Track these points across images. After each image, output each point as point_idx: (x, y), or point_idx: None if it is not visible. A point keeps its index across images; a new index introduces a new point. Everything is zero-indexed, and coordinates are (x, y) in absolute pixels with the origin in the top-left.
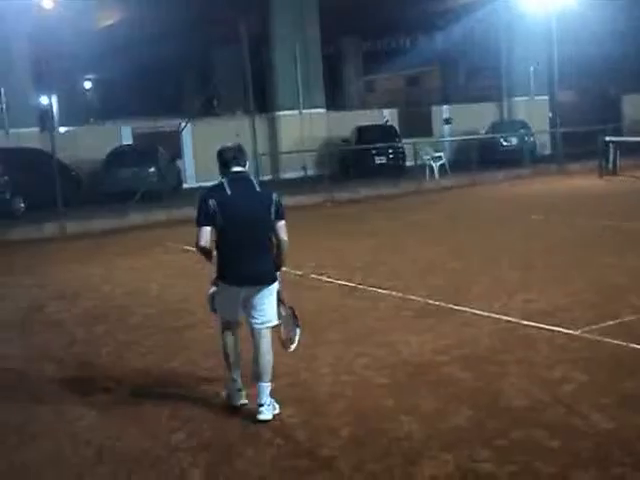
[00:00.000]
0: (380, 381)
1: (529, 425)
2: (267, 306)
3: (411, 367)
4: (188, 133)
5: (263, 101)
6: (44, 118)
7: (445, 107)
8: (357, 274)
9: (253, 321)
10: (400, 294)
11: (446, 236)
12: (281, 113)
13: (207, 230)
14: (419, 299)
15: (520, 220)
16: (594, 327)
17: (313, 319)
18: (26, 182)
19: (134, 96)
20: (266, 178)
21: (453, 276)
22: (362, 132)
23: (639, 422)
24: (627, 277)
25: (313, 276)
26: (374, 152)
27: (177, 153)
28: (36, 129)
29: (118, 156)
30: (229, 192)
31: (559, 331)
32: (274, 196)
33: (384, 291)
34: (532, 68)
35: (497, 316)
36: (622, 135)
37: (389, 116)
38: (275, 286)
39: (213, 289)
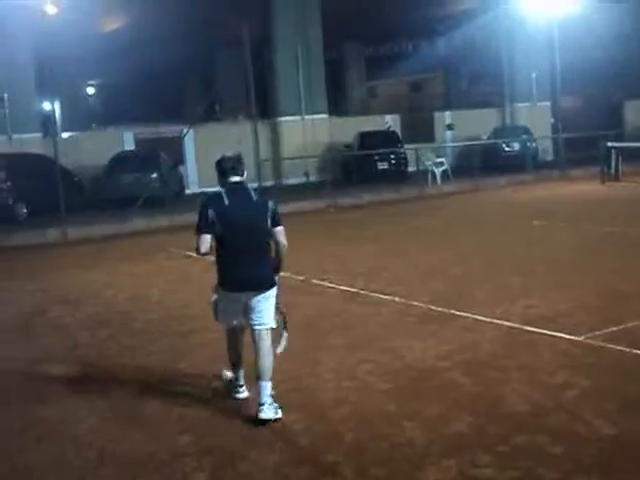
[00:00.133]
0: (383, 387)
1: (531, 431)
2: (265, 309)
3: (414, 373)
4: (190, 139)
5: (265, 106)
6: (47, 124)
7: (447, 113)
8: (359, 279)
9: (252, 323)
10: (402, 300)
11: (448, 242)
12: (283, 119)
13: (207, 237)
14: (421, 305)
15: (522, 226)
16: (597, 333)
17: (315, 324)
18: (28, 187)
19: (136, 101)
20: (268, 184)
21: (455, 282)
22: (364, 138)
23: None
24: (630, 283)
25: (315, 281)
26: (376, 158)
27: (179, 159)
28: (39, 135)
29: (120, 162)
30: (227, 202)
31: (561, 337)
32: (270, 204)
33: (386, 297)
34: (534, 74)
35: (499, 322)
36: (624, 141)
37: (391, 122)
38: (274, 290)
39: (215, 297)
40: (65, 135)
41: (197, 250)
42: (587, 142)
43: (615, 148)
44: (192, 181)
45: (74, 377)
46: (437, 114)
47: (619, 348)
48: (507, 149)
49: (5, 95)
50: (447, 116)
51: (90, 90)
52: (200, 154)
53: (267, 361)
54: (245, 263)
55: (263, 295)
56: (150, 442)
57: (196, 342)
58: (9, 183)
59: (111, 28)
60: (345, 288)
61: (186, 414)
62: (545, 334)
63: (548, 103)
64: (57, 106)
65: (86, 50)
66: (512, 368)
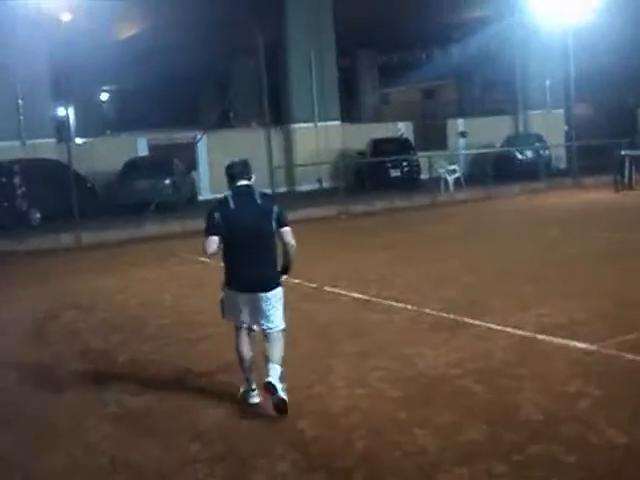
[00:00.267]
0: (394, 394)
1: (545, 440)
2: (273, 313)
3: (426, 380)
4: (203, 145)
5: (278, 113)
6: (61, 129)
7: (460, 120)
8: (372, 287)
9: (263, 327)
10: (415, 307)
11: (461, 249)
12: (296, 125)
13: (214, 239)
14: (434, 312)
15: (535, 234)
16: (610, 342)
17: (327, 332)
18: (42, 193)
19: (150, 108)
20: (281, 190)
21: (468, 289)
22: (377, 145)
23: None
24: None
25: (327, 288)
26: (389, 165)
27: (192, 165)
28: (53, 140)
29: (133, 167)
30: (232, 206)
31: (574, 345)
32: (275, 207)
33: (399, 304)
34: (548, 82)
35: (512, 330)
36: (638, 149)
37: (404, 129)
38: (280, 290)
39: (222, 294)
40: (79, 141)
41: (204, 251)
42: (600, 150)
43: (629, 156)
44: (204, 187)
45: (86, 383)
46: (450, 121)
47: (632, 357)
48: (520, 157)
49: (20, 101)
50: (460, 123)
51: (104, 96)
52: (213, 160)
53: (276, 351)
54: (250, 264)
55: (269, 296)
56: (162, 449)
57: (208, 348)
58: (23, 188)
59: (126, 35)
60: (357, 295)
61: (197, 421)
62: (558, 342)
63: (562, 111)
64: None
65: (101, 57)
66: (525, 376)
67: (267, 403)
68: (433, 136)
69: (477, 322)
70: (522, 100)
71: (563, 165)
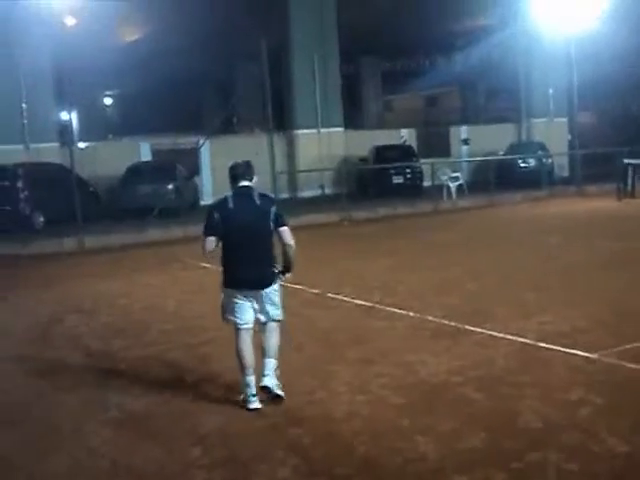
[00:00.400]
0: (396, 401)
1: (545, 448)
2: (271, 307)
3: (427, 387)
4: (206, 150)
5: (282, 119)
6: (64, 133)
7: (463, 128)
8: (374, 293)
9: (261, 320)
10: (417, 314)
11: (463, 256)
12: (299, 131)
13: (211, 240)
14: (436, 319)
15: (537, 241)
16: (611, 350)
17: (330, 338)
18: (45, 197)
19: (153, 112)
20: (284, 196)
21: (470, 297)
22: (380, 151)
23: None
24: None
25: (330, 295)
26: (392, 172)
27: (195, 170)
28: (56, 144)
29: (136, 172)
30: (231, 206)
31: (576, 353)
32: (272, 208)
33: (401, 311)
34: (551, 90)
35: (513, 337)
36: None
37: (407, 136)
38: (276, 286)
39: (222, 296)
40: (82, 145)
41: (202, 249)
42: (603, 158)
43: (632, 165)
44: (207, 192)
45: (88, 387)
46: (453, 129)
47: (634, 366)
48: (523, 165)
49: (24, 105)
50: (463, 131)
51: (107, 100)
52: (216, 166)
53: (273, 342)
54: (246, 263)
55: (266, 292)
56: (163, 453)
57: (210, 353)
58: (26, 192)
59: (130, 39)
60: (360, 302)
61: (199, 425)
62: (560, 351)
63: (565, 119)
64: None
65: (104, 61)
66: (526, 384)
67: (268, 407)
68: (436, 143)
69: (479, 329)
70: (525, 108)
71: (566, 173)
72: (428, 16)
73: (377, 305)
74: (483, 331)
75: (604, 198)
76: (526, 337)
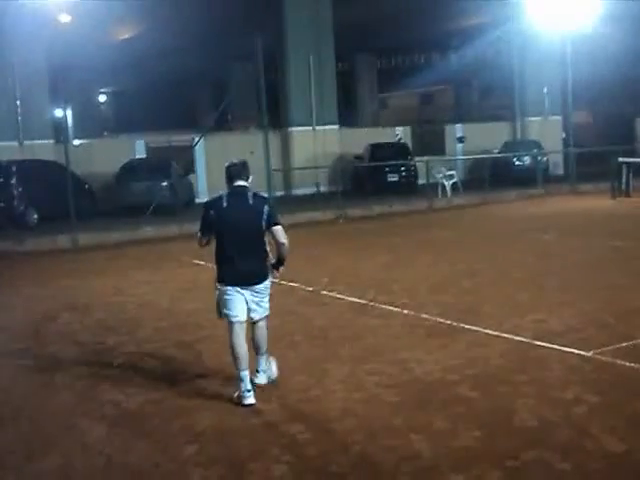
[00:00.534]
0: (391, 399)
1: (540, 446)
2: (262, 305)
3: (422, 385)
4: (201, 148)
5: (277, 117)
6: (59, 130)
7: (458, 126)
8: (369, 291)
9: (252, 315)
10: (412, 312)
11: (458, 254)
12: (294, 129)
13: (206, 235)
14: (431, 317)
15: (532, 240)
16: (606, 348)
17: (324, 336)
18: (39, 194)
19: (148, 110)
20: (279, 194)
21: (465, 295)
22: (375, 149)
23: None
24: None
25: (325, 292)
26: (387, 169)
27: (190, 168)
28: (51, 141)
29: (131, 169)
30: (225, 205)
31: (571, 352)
32: (266, 207)
33: (396, 309)
34: (546, 89)
35: (508, 336)
36: (635, 156)
37: (402, 134)
38: (268, 282)
39: (217, 293)
40: (77, 142)
41: (198, 243)
42: (598, 157)
43: (626, 163)
44: (202, 190)
45: (82, 384)
46: (448, 127)
47: (629, 364)
48: (518, 163)
49: (18, 102)
50: (458, 129)
51: (102, 98)
52: (211, 163)
53: (263, 340)
54: (239, 260)
55: (258, 289)
56: (157, 451)
57: (204, 350)
58: (20, 189)
59: (124, 37)
60: (354, 299)
61: (194, 423)
62: (555, 349)
63: (559, 117)
64: (69, 113)
65: (99, 58)
66: (521, 383)
67: (263, 405)
68: (431, 141)
69: (474, 327)
70: (520, 106)
71: (561, 171)
72: (424, 14)
73: (372, 303)
74: (478, 329)
75: (599, 196)
76: (521, 335)
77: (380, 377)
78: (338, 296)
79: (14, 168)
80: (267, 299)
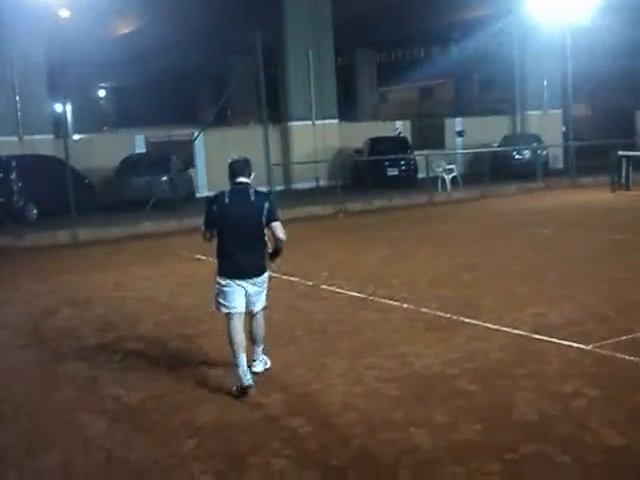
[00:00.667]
0: (390, 393)
1: (539, 439)
2: (261, 295)
3: (422, 379)
4: (201, 142)
5: (276, 111)
6: (58, 125)
7: (458, 119)
8: (369, 285)
9: (252, 307)
10: (411, 306)
11: (457, 248)
12: (294, 123)
13: (210, 230)
14: (430, 311)
15: (532, 233)
16: (606, 342)
17: (324, 330)
18: (39, 189)
19: (148, 105)
20: (278, 189)
21: (464, 289)
22: (374, 143)
23: None
24: None
25: (324, 287)
26: (386, 163)
27: (190, 162)
28: (50, 136)
29: (131, 164)
30: (227, 201)
31: (570, 345)
32: (266, 204)
33: (395, 303)
34: (545, 82)
35: (508, 329)
36: (635, 150)
37: (402, 128)
38: (266, 275)
39: (217, 285)
40: (76, 137)
41: (202, 238)
42: (598, 150)
43: (626, 157)
44: (202, 185)
45: (82, 379)
46: (448, 121)
47: (628, 357)
48: (517, 157)
49: (17, 97)
50: (458, 123)
51: (102, 93)
52: (210, 158)
53: (260, 331)
54: (239, 254)
55: (257, 282)
56: (158, 445)
57: (205, 345)
58: (20, 184)
59: (124, 32)
60: (354, 294)
61: (193, 417)
62: (554, 342)
63: (559, 111)
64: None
65: (99, 53)
66: (521, 376)
67: (263, 399)
68: (431, 135)
69: (473, 321)
70: (520, 100)
71: (560, 165)
72: (423, 7)
73: (371, 297)
74: (478, 323)
75: (598, 190)
76: (521, 329)
77: (380, 371)
78: (338, 290)
79: (14, 163)
80: (266, 290)
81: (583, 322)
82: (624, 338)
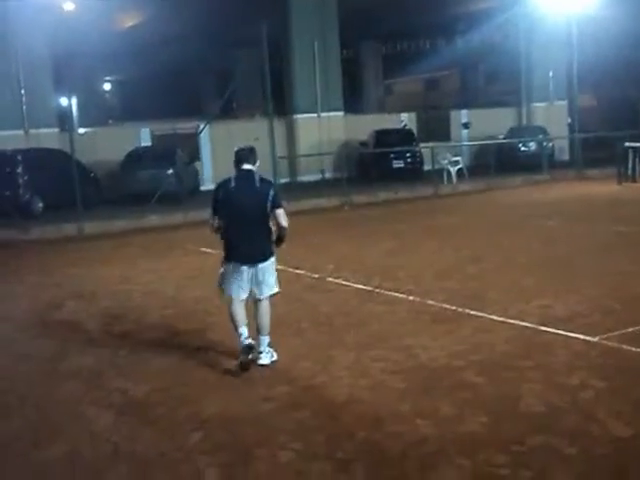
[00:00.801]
0: (396, 385)
1: (546, 431)
2: (267, 281)
3: (428, 371)
4: (206, 135)
5: (282, 104)
6: (63, 119)
7: (464, 111)
8: (374, 278)
9: (258, 293)
10: (417, 298)
11: (463, 241)
12: (299, 116)
13: (217, 217)
14: (436, 303)
15: (538, 225)
16: (612, 334)
17: (330, 322)
18: (45, 182)
19: (153, 98)
20: (284, 181)
21: (470, 281)
22: (380, 136)
23: None
24: None
25: (330, 279)
26: (392, 156)
27: (195, 155)
28: (55, 130)
29: (136, 157)
30: (233, 185)
31: (577, 337)
32: (271, 191)
33: (401, 295)
34: (551, 73)
35: (514, 321)
36: None
37: (407, 120)
38: (272, 260)
39: (222, 269)
40: (82, 130)
41: (210, 226)
42: (604, 142)
43: (632, 148)
44: (207, 178)
45: (88, 372)
46: (453, 113)
47: (635, 349)
48: (523, 149)
49: (23, 90)
50: (463, 115)
51: (107, 86)
52: (216, 151)
53: (266, 319)
54: (245, 239)
55: (263, 266)
56: (164, 438)
57: (210, 338)
58: (26, 178)
59: (129, 25)
60: (360, 286)
61: (200, 410)
62: (560, 334)
63: (565, 102)
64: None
65: (104, 46)
66: (527, 368)
67: (269, 392)
68: (436, 127)
69: (480, 313)
70: (525, 92)
71: (566, 157)
72: None
73: (377, 289)
74: (484, 315)
75: (605, 182)
76: (527, 321)
77: (386, 363)
78: (344, 283)
79: (19, 157)
80: (274, 277)
81: (589, 314)
82: (630, 330)
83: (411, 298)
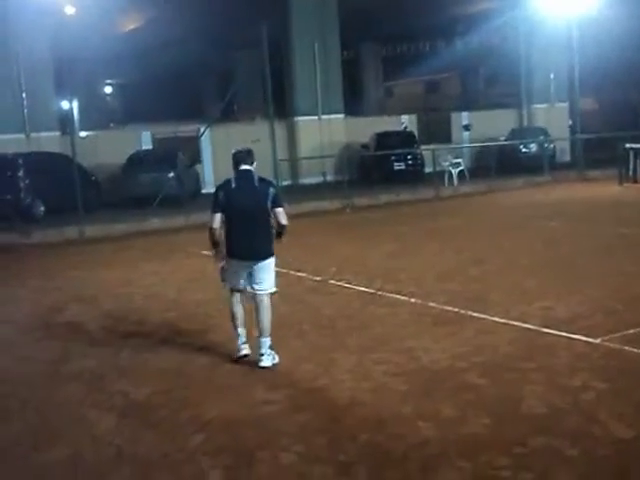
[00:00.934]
0: (399, 387)
1: (548, 433)
2: (265, 277)
3: (430, 374)
4: (207, 138)
5: (282, 106)
6: (65, 122)
7: (464, 113)
8: (376, 280)
9: (255, 289)
10: (419, 300)
11: (465, 243)
12: (300, 118)
13: (218, 216)
14: (438, 306)
15: (539, 227)
16: (614, 335)
17: (332, 325)
18: (46, 186)
19: (154, 101)
20: (285, 184)
21: (472, 283)
22: (381, 138)
23: None
24: None
25: (332, 282)
26: (393, 158)
27: (196, 158)
28: (57, 133)
29: (137, 161)
30: (234, 186)
31: (579, 339)
32: (270, 190)
33: (403, 297)
34: (552, 75)
35: (516, 323)
36: None
37: (408, 122)
38: (272, 260)
39: (223, 263)
40: (83, 134)
41: (210, 225)
42: (605, 143)
43: (633, 149)
44: (208, 181)
45: (90, 375)
46: (454, 115)
47: (637, 351)
48: (524, 150)
49: (24, 94)
50: (464, 117)
51: (108, 89)
52: (217, 154)
53: (266, 320)
54: (246, 237)
55: (262, 264)
56: (166, 441)
57: (212, 340)
58: (27, 181)
59: (130, 28)
60: (362, 289)
61: (202, 412)
62: (562, 336)
63: (566, 104)
64: (75, 105)
65: (105, 50)
66: (529, 370)
67: (271, 394)
68: (437, 129)
69: (481, 315)
70: (526, 93)
71: (567, 158)
72: (429, 1)
73: (379, 292)
74: (486, 317)
75: (606, 183)
76: (529, 323)
77: (388, 366)
78: (346, 285)
79: (20, 160)
80: (272, 276)
81: (591, 315)
82: (632, 331)
83: (413, 300)
